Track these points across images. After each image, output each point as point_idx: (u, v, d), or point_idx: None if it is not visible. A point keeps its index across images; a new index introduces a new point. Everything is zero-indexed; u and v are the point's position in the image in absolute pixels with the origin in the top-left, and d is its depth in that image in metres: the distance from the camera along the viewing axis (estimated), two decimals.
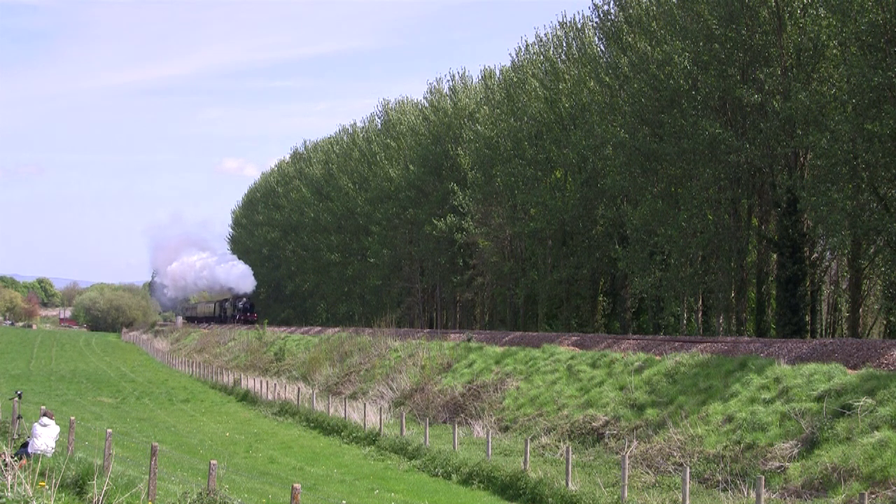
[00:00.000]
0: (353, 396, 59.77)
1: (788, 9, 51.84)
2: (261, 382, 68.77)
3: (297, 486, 20.49)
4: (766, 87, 51.85)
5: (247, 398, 66.96)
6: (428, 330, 72.97)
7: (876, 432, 26.68)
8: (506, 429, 43.82)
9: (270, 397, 63.53)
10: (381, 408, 50.33)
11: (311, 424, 52.61)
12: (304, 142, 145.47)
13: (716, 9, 53.46)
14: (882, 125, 43.04)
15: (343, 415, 51.48)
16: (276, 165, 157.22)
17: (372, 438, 45.42)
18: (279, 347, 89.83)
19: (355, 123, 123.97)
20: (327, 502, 29.79)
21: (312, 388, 63.39)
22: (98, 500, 21.62)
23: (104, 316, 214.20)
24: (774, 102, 50.84)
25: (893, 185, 46.64)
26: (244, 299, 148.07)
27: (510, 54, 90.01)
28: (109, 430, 29.81)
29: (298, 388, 62.72)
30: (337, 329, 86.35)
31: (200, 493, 23.30)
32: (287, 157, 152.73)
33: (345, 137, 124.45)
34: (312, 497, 30.59)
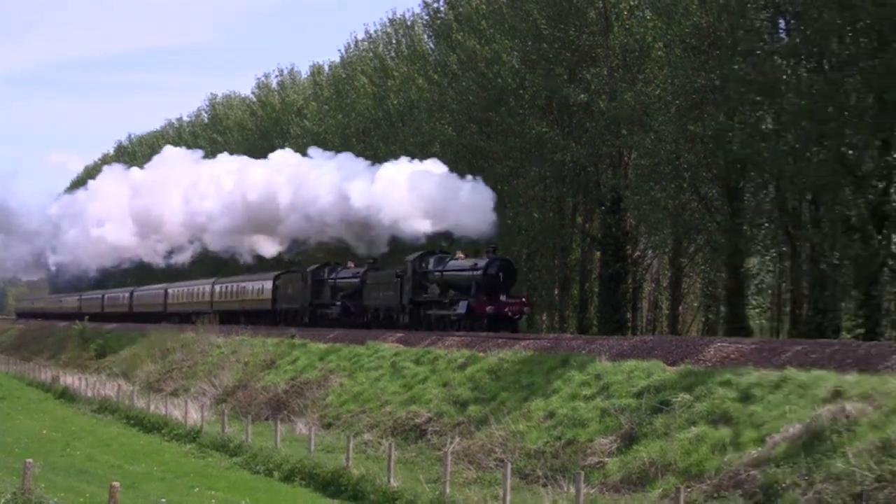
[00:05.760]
0: (175, 394, 58.72)
1: (615, 10, 52.66)
2: (80, 379, 67.14)
3: (116, 484, 20.08)
4: (593, 87, 52.55)
5: (65, 395, 65.29)
6: (251, 326, 72.01)
7: (693, 427, 26.97)
8: (329, 425, 43.43)
9: (90, 394, 62.01)
10: (202, 405, 49.52)
11: (132, 422, 51.52)
12: (129, 135, 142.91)
13: (544, 8, 54.01)
14: (704, 126, 43.95)
15: (164, 412, 50.54)
16: (99, 159, 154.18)
17: (193, 436, 44.62)
18: (100, 344, 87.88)
19: (181, 118, 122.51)
20: (147, 500, 29.13)
21: (133, 386, 62.14)
22: None
23: None
24: (600, 102, 51.52)
25: (714, 185, 47.65)
26: (484, 260, 49.69)
27: (339, 51, 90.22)
28: None
29: (118, 386, 61.43)
30: (158, 325, 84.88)
31: (15, 493, 22.61)
32: (111, 150, 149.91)
33: (171, 131, 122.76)
34: (132, 495, 29.80)
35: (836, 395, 24.28)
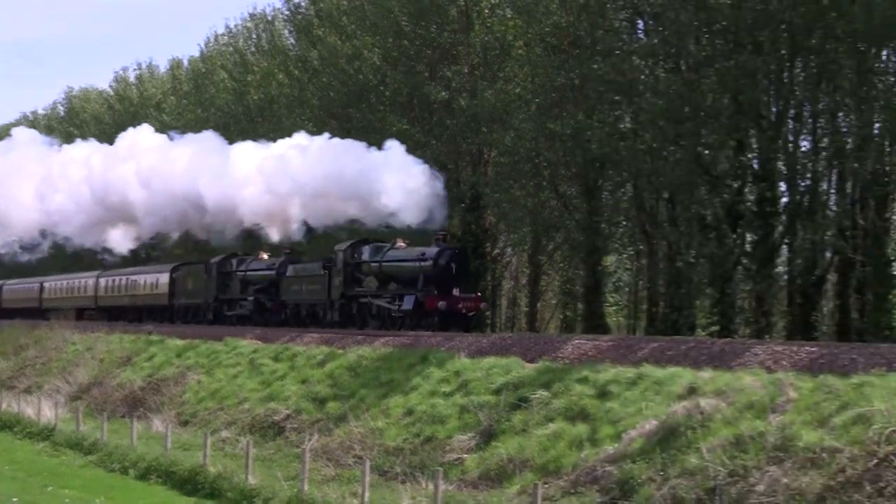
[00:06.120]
0: (28, 391, 57.45)
1: (476, 8, 52.90)
2: None
3: None
4: (454, 85, 52.66)
5: None
6: (108, 323, 70.63)
7: (550, 424, 27.09)
8: (186, 423, 42.88)
9: None
10: (56, 402, 48.61)
11: None
12: None
13: (405, 6, 54.03)
14: (563, 125, 44.26)
15: (16, 410, 49.49)
16: None
17: (46, 434, 43.68)
18: None
19: (36, 111, 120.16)
20: None
21: None
22: None
23: None
24: (461, 100, 51.68)
25: (572, 184, 48.12)
26: (433, 249, 43.54)
27: (199, 45, 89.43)
28: None
29: None
30: (12, 321, 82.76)
31: None
32: None
33: (24, 124, 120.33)
34: None
35: (691, 391, 24.57)
